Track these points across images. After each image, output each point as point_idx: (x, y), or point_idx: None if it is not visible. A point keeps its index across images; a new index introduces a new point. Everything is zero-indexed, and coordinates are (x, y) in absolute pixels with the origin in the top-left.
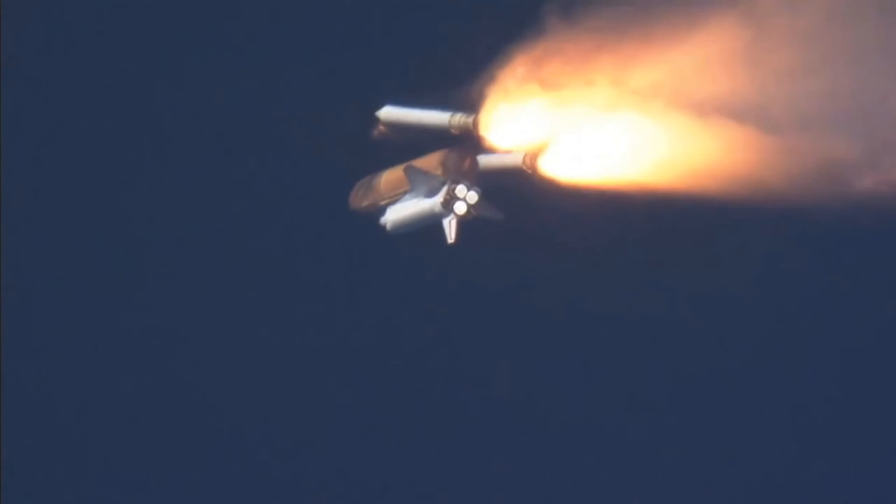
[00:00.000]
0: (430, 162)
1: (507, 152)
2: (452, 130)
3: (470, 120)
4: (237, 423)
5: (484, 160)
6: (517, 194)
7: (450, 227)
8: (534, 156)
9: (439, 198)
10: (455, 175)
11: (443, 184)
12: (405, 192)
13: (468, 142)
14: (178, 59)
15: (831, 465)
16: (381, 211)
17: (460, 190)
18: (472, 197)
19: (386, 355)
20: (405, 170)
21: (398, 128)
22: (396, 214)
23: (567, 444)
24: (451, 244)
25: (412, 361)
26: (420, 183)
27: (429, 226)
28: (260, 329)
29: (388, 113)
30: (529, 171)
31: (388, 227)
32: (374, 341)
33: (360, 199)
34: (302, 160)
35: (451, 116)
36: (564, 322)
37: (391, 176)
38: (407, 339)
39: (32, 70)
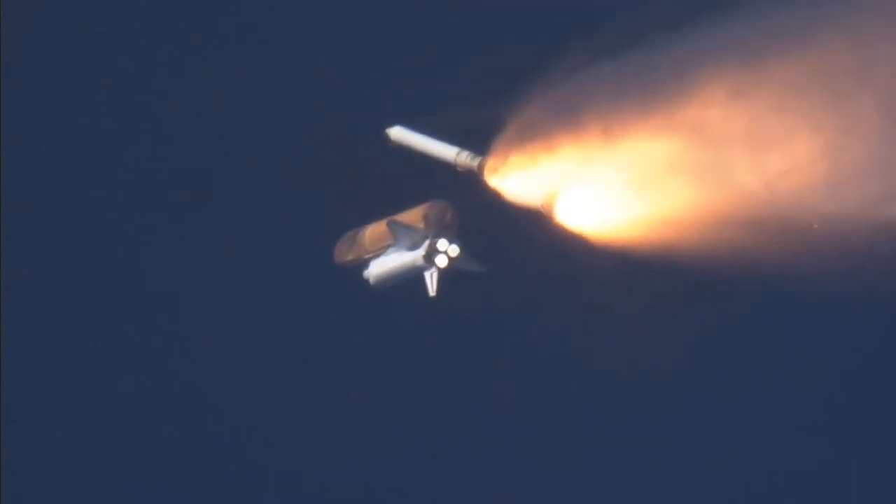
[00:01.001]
0: (412, 216)
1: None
2: (458, 168)
3: (475, 163)
4: (237, 423)
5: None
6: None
7: (431, 280)
8: (552, 200)
9: (421, 251)
10: (437, 229)
11: (425, 237)
12: (388, 246)
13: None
14: (178, 60)
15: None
16: (365, 265)
17: (442, 243)
18: (454, 250)
19: (371, 402)
20: (388, 224)
21: (405, 149)
22: (380, 268)
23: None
24: (433, 297)
25: (397, 406)
26: (403, 237)
27: (411, 279)
28: (257, 347)
29: (398, 133)
30: (547, 215)
31: (372, 280)
32: (359, 389)
33: (344, 254)
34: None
35: (458, 153)
36: (547, 374)
37: (375, 230)
38: (390, 388)
39: (32, 70)
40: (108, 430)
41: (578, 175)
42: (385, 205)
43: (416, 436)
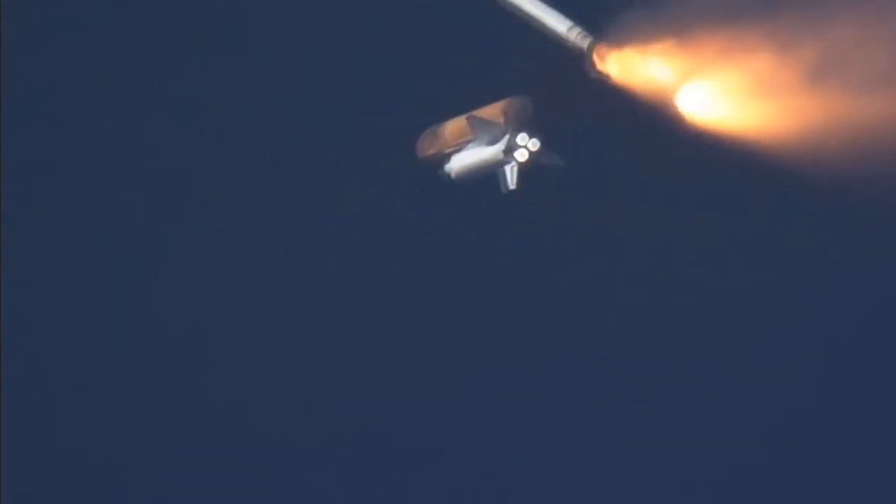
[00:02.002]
0: (492, 111)
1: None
2: (566, 42)
3: (585, 42)
4: (238, 422)
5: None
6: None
7: (511, 174)
8: (677, 88)
9: (501, 145)
10: (517, 123)
11: (505, 132)
12: (469, 141)
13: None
14: (179, 60)
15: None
16: (447, 159)
17: (522, 138)
18: (534, 144)
19: (451, 293)
20: (468, 119)
21: (512, 7)
22: (460, 162)
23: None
24: (512, 190)
25: (468, 301)
26: (483, 131)
27: (492, 173)
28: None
29: None
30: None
31: (453, 174)
32: (437, 284)
33: (426, 148)
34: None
35: (571, 28)
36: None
37: (455, 125)
38: (464, 283)
39: (32, 70)
40: (108, 429)
41: (699, 72)
42: (473, 94)
43: (495, 328)
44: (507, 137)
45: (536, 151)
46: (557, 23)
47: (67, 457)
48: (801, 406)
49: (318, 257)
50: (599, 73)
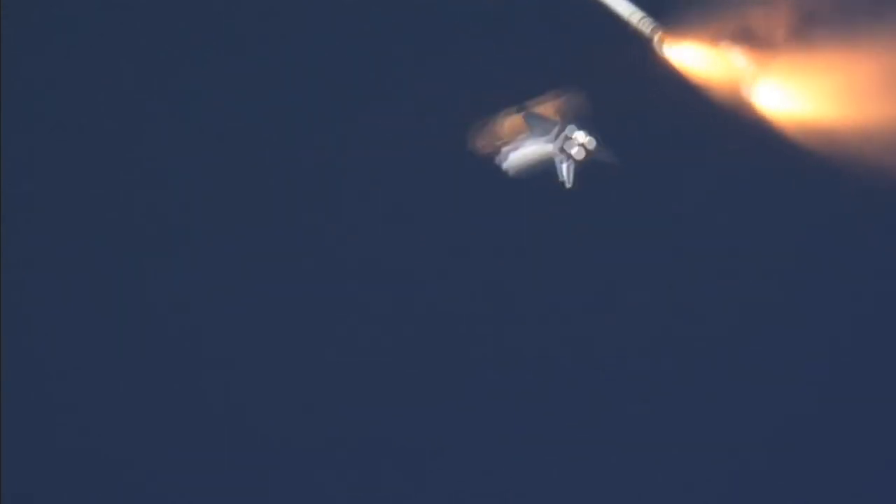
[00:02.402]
0: (547, 107)
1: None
2: (631, 28)
3: (650, 31)
4: (238, 422)
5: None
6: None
7: (566, 171)
8: (753, 78)
9: (556, 142)
10: (571, 119)
11: (560, 128)
12: (524, 135)
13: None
14: (179, 59)
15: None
16: (501, 153)
17: (577, 134)
18: (589, 140)
19: (505, 285)
20: (524, 115)
21: None
22: (515, 157)
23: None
24: (567, 186)
25: (530, 287)
26: (538, 127)
27: (546, 168)
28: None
29: None
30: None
31: (507, 168)
32: (491, 278)
33: (480, 142)
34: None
35: (637, 14)
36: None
37: (511, 119)
38: (521, 277)
39: (32, 70)
40: (108, 430)
41: (775, 67)
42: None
43: (549, 316)
44: (561, 134)
45: (590, 147)
46: (624, 8)
47: (67, 457)
48: (799, 406)
49: (318, 257)
50: (663, 61)
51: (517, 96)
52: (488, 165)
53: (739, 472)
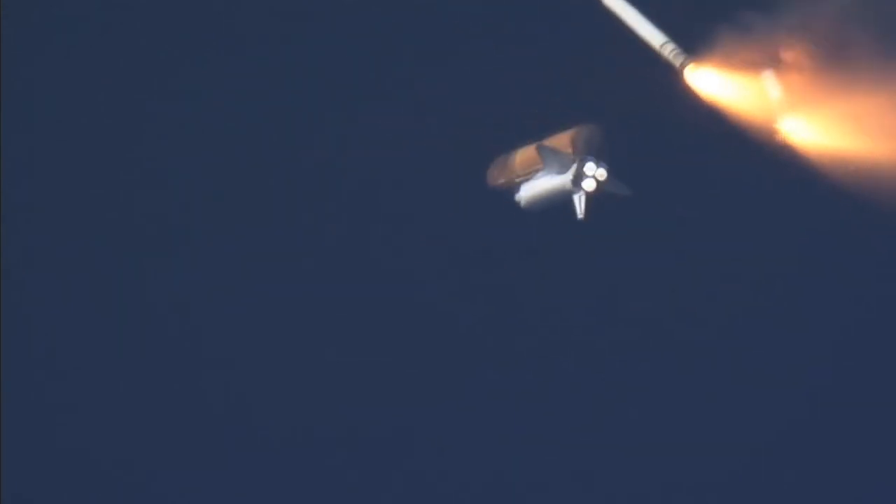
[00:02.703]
0: (561, 140)
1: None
2: (660, 56)
3: (679, 60)
4: (238, 422)
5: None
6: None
7: (580, 203)
8: (780, 111)
9: (569, 175)
10: (584, 153)
11: (573, 161)
12: (538, 170)
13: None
14: (180, 59)
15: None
16: (517, 187)
17: (589, 167)
18: (601, 174)
19: (518, 318)
20: (537, 148)
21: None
22: (530, 191)
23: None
24: (581, 219)
25: (546, 320)
26: (551, 161)
27: (561, 201)
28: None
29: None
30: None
31: (523, 203)
32: (507, 309)
33: (496, 177)
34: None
35: (665, 44)
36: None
37: (525, 154)
38: (538, 309)
39: (32, 70)
40: (108, 430)
41: (804, 100)
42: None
43: (565, 348)
44: (575, 167)
45: (604, 181)
46: (652, 37)
47: (67, 457)
48: (799, 409)
49: (317, 258)
50: (691, 92)
51: (534, 130)
52: (506, 199)
53: (740, 474)
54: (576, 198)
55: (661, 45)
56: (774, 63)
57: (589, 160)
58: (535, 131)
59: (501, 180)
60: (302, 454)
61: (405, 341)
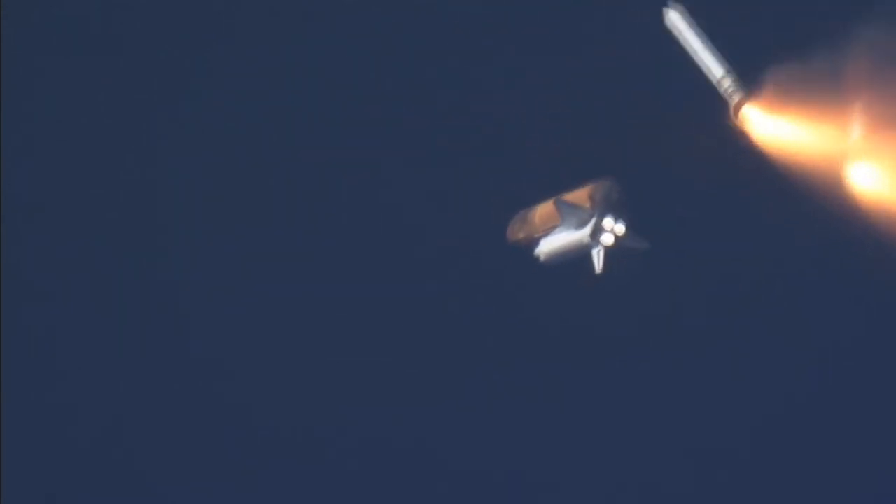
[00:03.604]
0: (579, 195)
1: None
2: (716, 86)
3: (734, 97)
4: (238, 422)
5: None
6: None
7: (598, 257)
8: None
9: (588, 229)
10: (603, 207)
11: (591, 216)
12: (557, 225)
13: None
14: (181, 60)
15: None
16: (536, 243)
17: (607, 222)
18: (620, 228)
19: (538, 371)
20: (555, 203)
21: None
22: (549, 246)
23: None
24: (599, 273)
25: (562, 374)
26: (569, 215)
27: (580, 256)
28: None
29: (677, 18)
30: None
31: (542, 257)
32: (530, 360)
33: (516, 232)
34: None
35: (725, 77)
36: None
37: (544, 210)
38: (557, 359)
39: (32, 70)
40: (108, 430)
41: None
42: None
43: (585, 401)
44: (593, 221)
45: (622, 235)
46: (714, 66)
47: (67, 457)
48: (798, 406)
49: (317, 257)
50: (741, 131)
51: (554, 184)
52: (525, 255)
53: (741, 474)
54: (594, 252)
55: (721, 78)
56: (848, 103)
57: (608, 214)
58: (554, 185)
59: (521, 235)
60: (302, 454)
61: (570, 314)
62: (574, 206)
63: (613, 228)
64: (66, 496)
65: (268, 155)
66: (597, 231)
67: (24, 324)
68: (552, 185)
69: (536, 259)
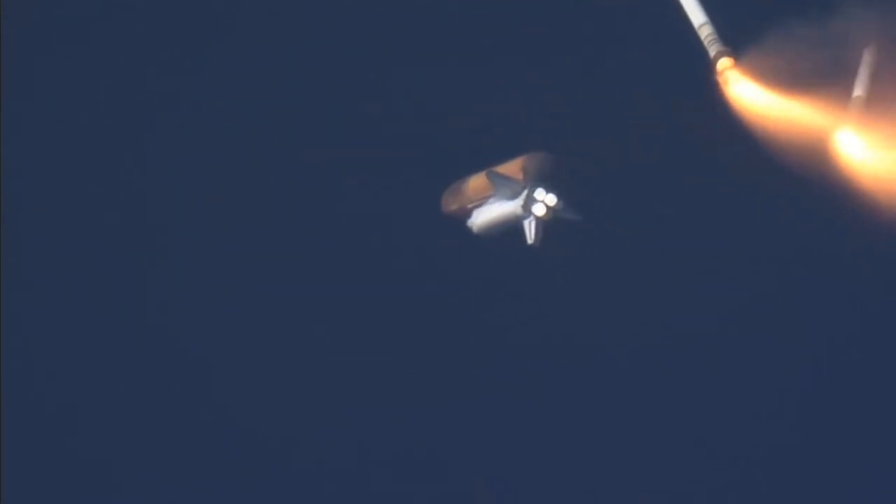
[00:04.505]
0: (511, 167)
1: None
2: (702, 40)
3: (714, 50)
4: (238, 422)
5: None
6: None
7: (530, 228)
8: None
9: (520, 201)
10: (535, 179)
11: (523, 187)
12: (490, 196)
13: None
14: (181, 60)
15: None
16: (470, 214)
17: (539, 193)
18: (551, 199)
19: (472, 341)
20: (487, 174)
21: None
22: (482, 217)
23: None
24: (532, 244)
25: (494, 344)
26: (502, 187)
27: (513, 227)
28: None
29: None
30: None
31: (475, 229)
32: (460, 331)
33: (450, 203)
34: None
35: (709, 34)
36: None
37: (478, 181)
38: (488, 331)
39: (32, 70)
40: (108, 430)
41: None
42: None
43: (515, 374)
44: (525, 192)
45: (554, 206)
46: (695, 17)
47: (67, 456)
48: (797, 407)
49: (316, 258)
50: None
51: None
52: (459, 226)
53: (740, 474)
54: (526, 223)
55: (700, 26)
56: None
57: (540, 186)
58: (489, 157)
59: (455, 206)
60: (301, 453)
61: (502, 285)
62: (506, 178)
63: (545, 199)
64: (66, 496)
65: (267, 155)
66: (529, 202)
67: (24, 324)
68: (488, 157)
69: (470, 230)
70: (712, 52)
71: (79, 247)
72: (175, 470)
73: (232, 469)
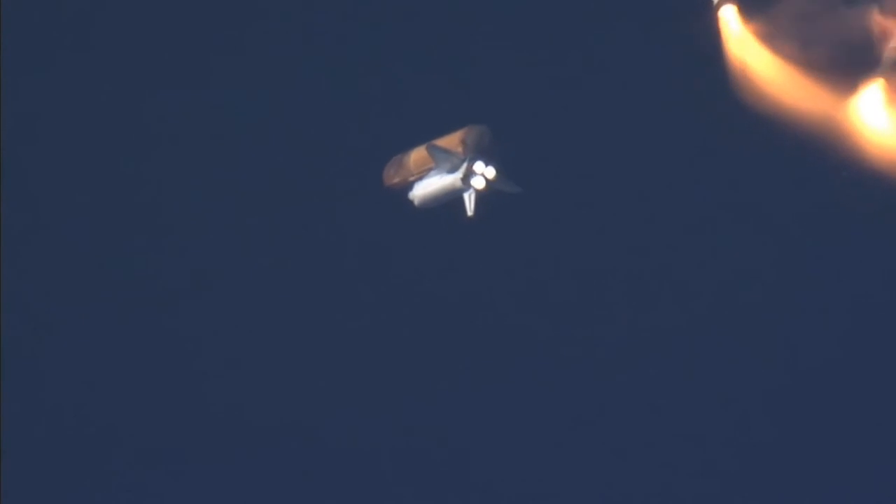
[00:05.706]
0: (450, 140)
1: None
2: None
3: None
4: (238, 422)
5: None
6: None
7: (470, 200)
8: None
9: (459, 173)
10: (474, 152)
11: (463, 161)
12: (431, 169)
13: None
14: (181, 60)
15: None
16: (411, 186)
17: (478, 166)
18: (490, 172)
19: (410, 311)
20: (427, 148)
21: None
22: (422, 190)
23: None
24: (471, 216)
25: (436, 314)
26: (442, 160)
27: (452, 199)
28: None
29: None
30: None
31: (416, 201)
32: (399, 300)
33: (391, 177)
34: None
35: None
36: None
37: (418, 154)
38: (427, 299)
39: (32, 71)
40: (108, 430)
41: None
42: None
43: (460, 344)
44: (465, 165)
45: (493, 179)
46: None
47: (67, 456)
48: (796, 406)
49: (316, 258)
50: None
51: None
52: (400, 198)
53: (739, 474)
54: (466, 195)
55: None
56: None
57: (479, 159)
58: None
59: (397, 179)
60: (301, 453)
61: (441, 255)
62: (446, 151)
63: (484, 172)
64: (66, 496)
65: (268, 154)
66: (468, 175)
67: (24, 324)
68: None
69: (411, 202)
70: None
71: (79, 247)
72: (176, 469)
73: (232, 469)
